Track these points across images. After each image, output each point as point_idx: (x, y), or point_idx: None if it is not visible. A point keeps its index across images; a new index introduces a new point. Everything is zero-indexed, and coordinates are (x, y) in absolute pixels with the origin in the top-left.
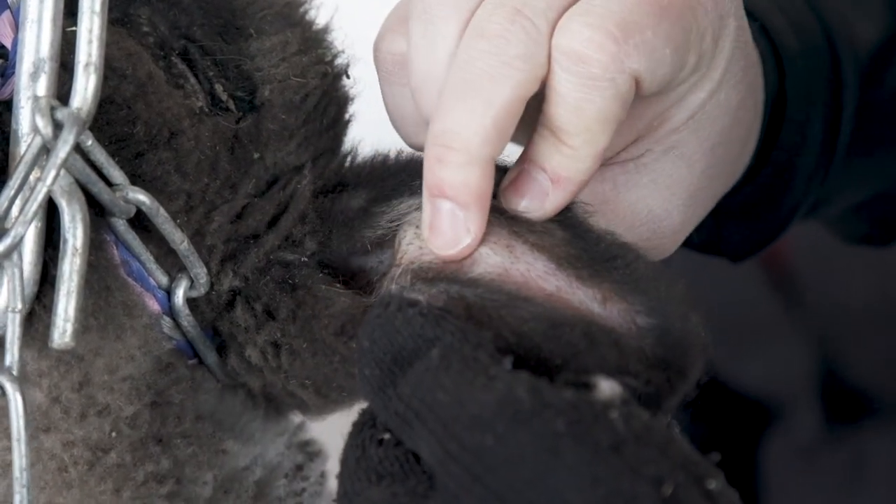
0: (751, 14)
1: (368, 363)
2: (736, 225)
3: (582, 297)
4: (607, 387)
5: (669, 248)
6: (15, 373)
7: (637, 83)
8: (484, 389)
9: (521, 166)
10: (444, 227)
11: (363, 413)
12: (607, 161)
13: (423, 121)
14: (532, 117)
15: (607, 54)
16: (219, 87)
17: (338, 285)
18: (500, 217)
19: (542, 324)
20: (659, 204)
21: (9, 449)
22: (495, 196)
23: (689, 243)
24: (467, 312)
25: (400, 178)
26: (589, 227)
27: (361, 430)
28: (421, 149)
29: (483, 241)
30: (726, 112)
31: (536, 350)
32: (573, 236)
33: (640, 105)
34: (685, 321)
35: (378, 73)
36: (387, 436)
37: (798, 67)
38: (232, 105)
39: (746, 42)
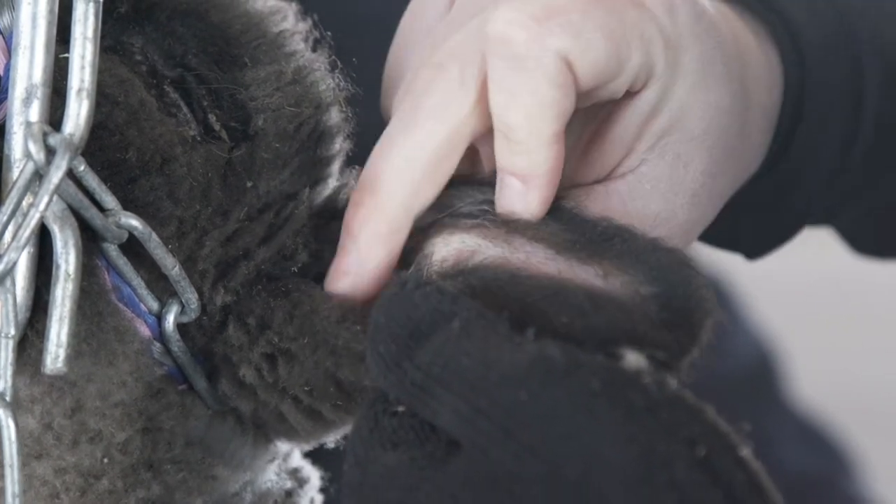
0: (771, 6)
1: (384, 339)
2: (751, 220)
3: (583, 274)
4: (633, 358)
5: (685, 246)
6: (8, 398)
7: (569, 66)
8: (513, 351)
9: (498, 174)
10: (344, 265)
11: (374, 391)
12: (607, 177)
13: None
14: None
15: (529, 33)
16: (212, 118)
17: None
18: (496, 220)
19: (546, 291)
20: (663, 207)
21: (1, 476)
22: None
23: (707, 238)
24: (472, 294)
25: None
26: (583, 215)
27: (374, 405)
28: None
29: (481, 237)
30: (720, 112)
31: (543, 316)
32: (569, 225)
33: (616, 120)
34: (688, 283)
35: None
36: (401, 408)
37: (820, 63)
38: (224, 135)
39: (728, 40)
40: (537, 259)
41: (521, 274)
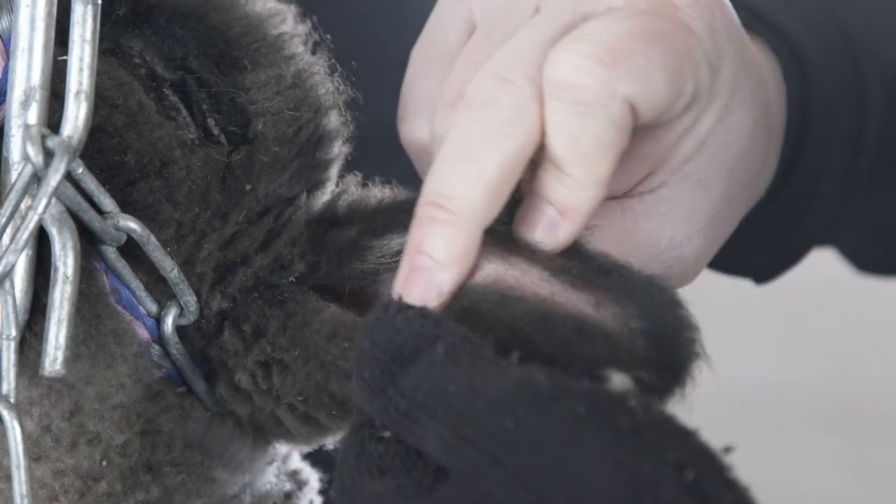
0: (771, 23)
1: (368, 364)
2: (760, 245)
3: (576, 300)
4: (619, 380)
5: (694, 272)
6: (12, 400)
7: (632, 109)
8: (498, 377)
9: (530, 200)
10: (419, 283)
11: (360, 414)
12: (625, 194)
13: None
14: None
15: (597, 80)
16: (211, 121)
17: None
18: (496, 234)
19: (533, 317)
20: (679, 231)
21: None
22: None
23: (713, 264)
24: (460, 315)
25: (392, 214)
26: (584, 248)
27: (360, 429)
28: None
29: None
30: (742, 134)
31: (528, 342)
32: (568, 253)
33: (648, 139)
34: (678, 324)
35: (409, 153)
36: (387, 434)
37: (822, 81)
38: (223, 139)
39: (752, 62)
40: (531, 279)
41: (511, 295)
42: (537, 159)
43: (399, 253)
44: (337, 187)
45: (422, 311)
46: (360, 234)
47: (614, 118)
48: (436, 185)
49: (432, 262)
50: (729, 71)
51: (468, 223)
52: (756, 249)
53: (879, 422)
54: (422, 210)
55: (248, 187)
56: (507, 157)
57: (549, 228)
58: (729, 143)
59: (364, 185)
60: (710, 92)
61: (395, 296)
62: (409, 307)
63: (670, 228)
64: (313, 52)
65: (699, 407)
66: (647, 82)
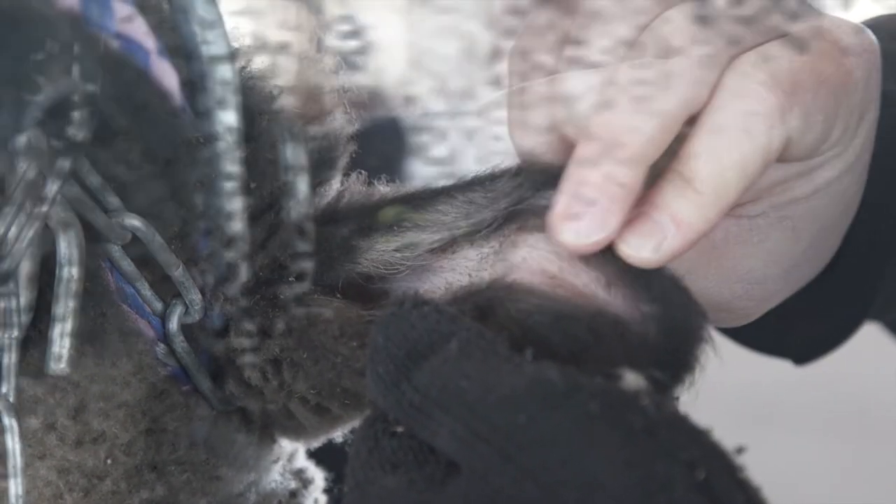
0: None
1: (382, 360)
2: (803, 325)
3: (586, 279)
4: (632, 379)
5: (754, 313)
6: (11, 399)
7: (787, 145)
8: (512, 374)
9: (641, 209)
10: (583, 216)
11: (374, 409)
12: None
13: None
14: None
15: (777, 100)
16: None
17: (335, 297)
18: (510, 216)
19: (546, 317)
20: (759, 266)
21: (4, 476)
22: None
23: (750, 342)
24: (474, 312)
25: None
26: None
27: (373, 424)
28: None
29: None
30: (843, 200)
31: (544, 342)
32: None
33: (771, 166)
34: (688, 310)
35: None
36: (400, 429)
37: (877, 170)
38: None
39: (874, 137)
40: (540, 253)
41: (522, 288)
42: (658, 170)
43: (392, 265)
44: (342, 185)
45: (437, 308)
46: (351, 233)
47: (770, 146)
48: (610, 119)
49: (601, 197)
50: (865, 131)
51: (638, 160)
52: (800, 329)
53: (881, 425)
54: (581, 150)
55: (252, 185)
56: (686, 105)
57: (655, 236)
58: (833, 203)
59: (369, 183)
60: (847, 144)
61: (551, 229)
62: (424, 303)
63: (753, 260)
64: (318, 51)
65: (700, 407)
66: (808, 122)
